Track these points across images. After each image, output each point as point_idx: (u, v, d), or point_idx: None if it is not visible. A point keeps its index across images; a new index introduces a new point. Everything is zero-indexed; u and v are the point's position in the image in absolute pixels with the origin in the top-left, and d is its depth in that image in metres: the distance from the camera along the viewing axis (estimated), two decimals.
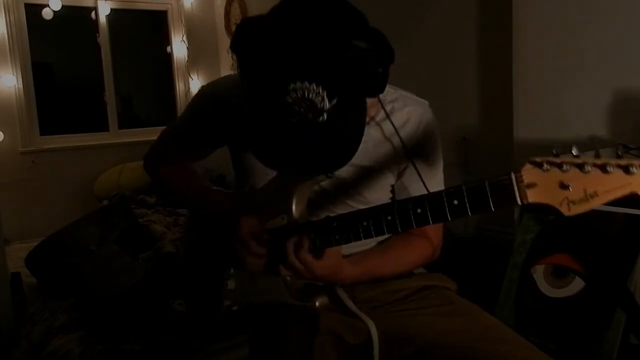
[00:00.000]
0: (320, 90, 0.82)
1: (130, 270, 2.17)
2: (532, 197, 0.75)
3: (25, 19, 3.79)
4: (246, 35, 0.87)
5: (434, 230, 1.15)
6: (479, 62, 2.97)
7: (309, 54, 0.83)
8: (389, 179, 1.15)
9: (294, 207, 1.02)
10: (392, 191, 1.18)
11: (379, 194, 1.15)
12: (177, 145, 1.25)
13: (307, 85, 0.82)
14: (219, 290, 1.16)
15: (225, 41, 4.28)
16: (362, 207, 1.09)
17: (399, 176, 1.15)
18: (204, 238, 1.26)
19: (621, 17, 1.93)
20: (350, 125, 0.88)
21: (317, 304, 1.01)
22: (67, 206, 3.71)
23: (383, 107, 1.08)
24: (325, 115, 0.83)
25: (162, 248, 2.60)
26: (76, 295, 2.12)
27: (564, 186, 0.72)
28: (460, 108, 3.01)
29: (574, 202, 0.72)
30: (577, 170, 0.71)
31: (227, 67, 4.32)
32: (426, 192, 1.03)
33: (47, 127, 3.95)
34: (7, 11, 3.68)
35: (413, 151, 1.10)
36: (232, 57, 4.15)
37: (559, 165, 0.72)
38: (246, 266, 1.05)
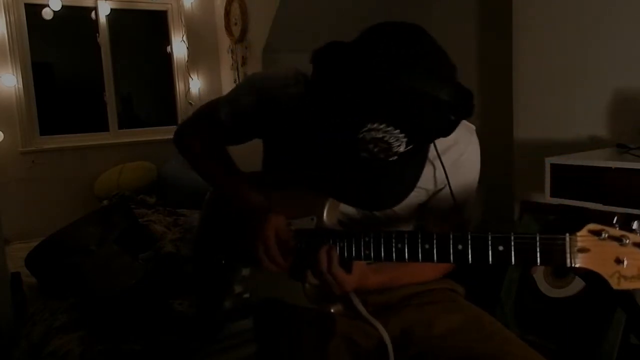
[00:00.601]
0: (401, 137, 0.81)
1: (130, 270, 2.17)
2: (583, 262, 0.75)
3: (25, 19, 3.78)
4: (334, 58, 0.84)
5: None
6: (479, 62, 2.97)
7: (396, 98, 0.80)
8: (420, 198, 1.13)
9: (325, 211, 1.02)
10: (420, 210, 1.16)
11: (408, 210, 1.14)
12: (214, 126, 1.20)
13: (390, 129, 0.80)
14: (231, 277, 1.16)
15: (225, 41, 4.27)
16: (389, 220, 1.10)
17: (431, 197, 1.13)
18: (225, 221, 1.24)
19: (621, 17, 1.93)
20: (414, 167, 0.89)
21: (332, 310, 1.02)
22: (67, 206, 3.70)
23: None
24: (394, 157, 0.83)
25: (162, 248, 2.60)
26: (76, 295, 2.12)
27: (618, 260, 0.72)
28: None
29: (625, 278, 0.72)
30: (636, 249, 0.71)
31: (227, 67, 4.31)
32: (456, 218, 1.05)
33: (47, 127, 3.95)
34: (7, 11, 3.67)
35: (452, 176, 1.06)
36: (232, 57, 4.14)
37: (619, 239, 0.72)
38: (263, 269, 1.04)
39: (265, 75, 1.20)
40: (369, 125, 0.80)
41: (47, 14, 3.80)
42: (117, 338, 1.80)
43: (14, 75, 3.70)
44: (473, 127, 1.11)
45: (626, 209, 1.59)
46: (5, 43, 3.67)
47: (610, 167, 1.53)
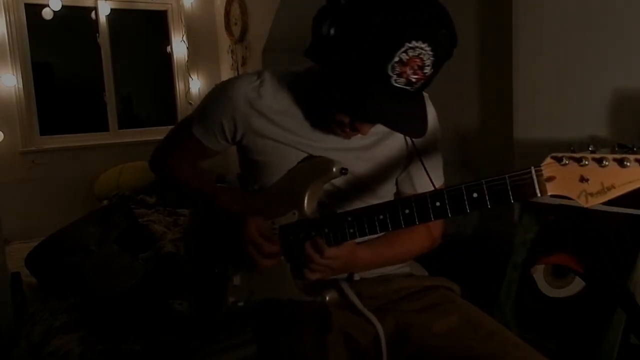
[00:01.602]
0: (431, 56, 0.87)
1: (130, 270, 2.17)
2: (552, 189, 0.79)
3: (25, 19, 3.78)
4: None
5: (435, 222, 1.16)
6: (479, 62, 2.97)
7: (434, 18, 0.87)
8: (397, 171, 1.17)
9: (305, 203, 1.04)
10: (396, 183, 1.19)
11: (388, 186, 1.17)
12: (186, 142, 1.22)
13: (426, 47, 0.86)
14: (224, 286, 1.16)
15: (225, 41, 4.27)
16: (371, 200, 1.12)
17: (405, 167, 1.16)
18: (209, 234, 1.26)
19: (621, 17, 1.93)
20: (422, 106, 0.98)
21: (327, 298, 1.03)
22: (67, 206, 3.71)
23: None
24: (419, 84, 0.90)
25: (162, 248, 2.60)
26: (76, 295, 2.12)
27: (582, 179, 0.77)
28: (460, 108, 3.01)
29: (592, 194, 0.76)
30: (596, 165, 0.76)
31: (227, 67, 4.31)
32: (430, 183, 1.07)
33: (47, 127, 3.95)
34: (7, 11, 3.67)
35: (419, 142, 1.11)
36: (232, 57, 4.14)
37: (578, 160, 0.77)
38: (259, 267, 1.06)
39: (226, 80, 1.22)
40: (407, 45, 0.85)
41: (47, 14, 3.80)
42: (117, 338, 1.80)
43: (14, 75, 3.70)
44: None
45: (626, 209, 1.59)
46: (5, 43, 3.67)
47: None
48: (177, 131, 1.29)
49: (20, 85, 3.73)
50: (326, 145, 1.09)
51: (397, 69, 0.87)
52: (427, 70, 0.88)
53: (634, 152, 0.74)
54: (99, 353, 1.74)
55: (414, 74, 0.87)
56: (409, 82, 0.88)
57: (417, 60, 0.86)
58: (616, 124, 1.97)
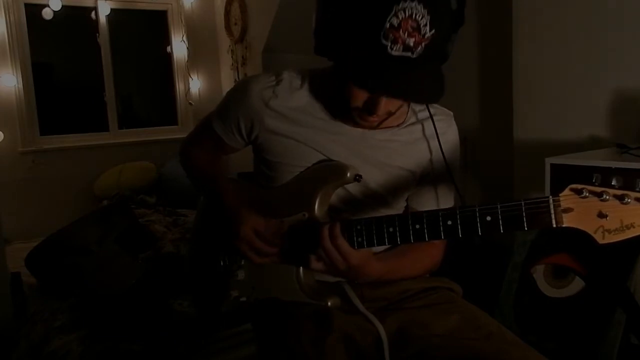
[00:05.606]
0: (426, 14, 0.83)
1: (130, 270, 2.17)
2: (568, 221, 0.77)
3: (25, 19, 3.78)
4: None
5: (439, 247, 1.16)
6: (479, 62, 2.97)
7: None
8: (411, 182, 1.15)
9: (317, 205, 1.03)
10: (406, 197, 1.18)
11: (401, 196, 1.16)
12: (207, 136, 1.23)
13: (416, 5, 0.82)
14: (228, 280, 1.16)
15: (225, 41, 4.27)
16: (382, 209, 1.11)
17: (420, 179, 1.15)
18: (217, 226, 1.25)
19: (621, 17, 1.93)
20: (438, 74, 0.92)
21: (329, 303, 1.02)
22: (67, 206, 3.70)
23: (428, 108, 1.10)
24: (421, 48, 0.85)
25: (162, 248, 2.60)
26: (76, 295, 2.12)
27: (601, 215, 0.74)
28: (460, 108, 3.00)
29: (609, 231, 0.75)
30: (617, 201, 0.73)
31: (227, 67, 4.31)
32: (448, 196, 1.08)
33: (47, 127, 3.95)
34: (7, 11, 3.67)
35: (439, 158, 1.10)
36: (232, 57, 4.14)
37: (599, 195, 0.74)
38: (254, 262, 1.07)
39: (246, 78, 1.22)
40: (395, 7, 0.82)
41: (47, 14, 3.80)
42: (117, 338, 1.80)
43: (14, 75, 3.70)
44: (451, 113, 1.17)
45: None
46: (5, 43, 3.67)
47: (610, 167, 1.53)
48: (201, 124, 1.29)
49: (20, 85, 3.73)
50: (340, 143, 1.08)
51: (390, 36, 0.84)
52: (425, 30, 0.84)
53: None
54: (99, 353, 1.74)
55: (410, 36, 0.84)
56: (406, 47, 0.85)
57: (410, 21, 0.83)
58: (616, 124, 1.97)
